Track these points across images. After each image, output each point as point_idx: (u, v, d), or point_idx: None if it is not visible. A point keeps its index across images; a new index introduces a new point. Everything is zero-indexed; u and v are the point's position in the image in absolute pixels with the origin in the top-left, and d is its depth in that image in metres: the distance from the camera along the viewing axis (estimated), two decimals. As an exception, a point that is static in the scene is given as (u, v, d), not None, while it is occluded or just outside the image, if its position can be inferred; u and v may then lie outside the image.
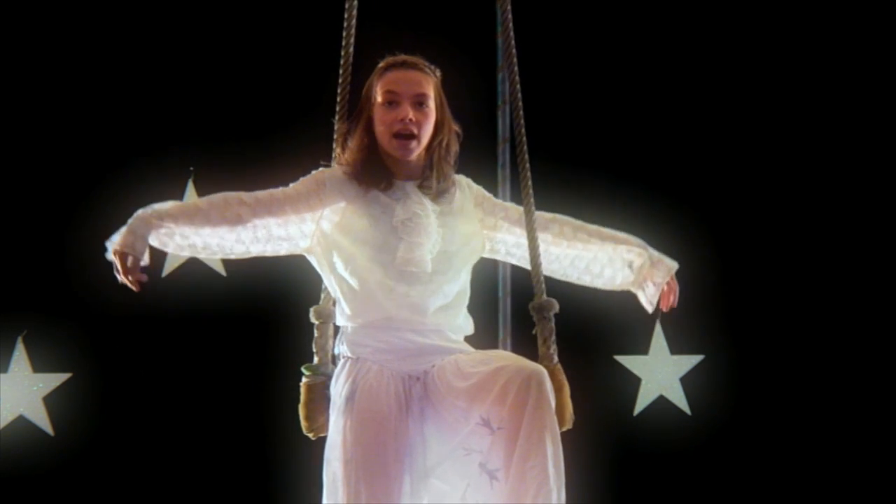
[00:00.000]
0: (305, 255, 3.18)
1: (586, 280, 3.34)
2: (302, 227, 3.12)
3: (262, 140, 5.26)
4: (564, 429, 3.00)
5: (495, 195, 3.36)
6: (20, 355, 5.11)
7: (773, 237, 5.39)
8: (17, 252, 5.19)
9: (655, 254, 3.31)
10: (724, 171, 5.40)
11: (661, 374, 5.32)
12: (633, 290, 3.36)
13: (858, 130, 5.40)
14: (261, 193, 3.10)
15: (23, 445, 5.08)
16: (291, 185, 3.14)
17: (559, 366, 3.13)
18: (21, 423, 5.10)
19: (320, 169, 3.17)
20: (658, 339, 5.32)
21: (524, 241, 3.23)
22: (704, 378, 5.31)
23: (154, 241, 3.07)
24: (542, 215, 3.26)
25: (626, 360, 5.32)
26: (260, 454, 5.16)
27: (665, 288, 3.30)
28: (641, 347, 5.34)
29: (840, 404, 5.31)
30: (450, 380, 2.97)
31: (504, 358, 3.03)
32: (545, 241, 3.25)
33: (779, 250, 5.38)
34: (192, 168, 5.24)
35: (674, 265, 3.31)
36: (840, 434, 5.29)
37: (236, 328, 5.24)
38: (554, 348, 3.17)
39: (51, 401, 5.12)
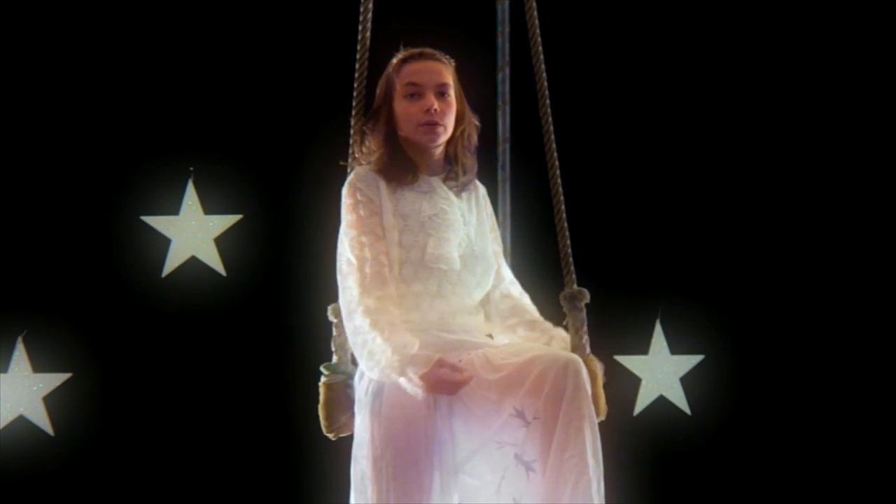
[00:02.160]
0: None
1: None
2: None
3: (263, 140, 5.26)
4: (599, 420, 2.97)
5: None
6: (20, 355, 5.10)
7: (774, 237, 5.38)
8: (17, 252, 5.18)
9: None
10: (724, 171, 5.40)
11: (661, 374, 5.32)
12: None
13: (857, 131, 5.39)
14: (375, 266, 2.95)
15: (23, 445, 5.08)
16: (353, 230, 3.01)
17: (593, 356, 3.11)
18: (21, 423, 5.09)
19: (349, 184, 3.06)
20: (658, 339, 5.32)
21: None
22: (704, 378, 5.30)
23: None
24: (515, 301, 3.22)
25: (626, 360, 5.32)
26: (259, 454, 5.16)
27: None
28: (641, 347, 5.33)
29: (840, 404, 5.30)
30: (480, 373, 2.90)
31: (536, 348, 2.99)
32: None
33: (779, 250, 5.38)
34: (192, 168, 5.25)
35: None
36: (840, 434, 5.29)
37: (236, 328, 5.23)
38: (586, 338, 3.14)
39: (51, 401, 5.11)
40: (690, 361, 5.33)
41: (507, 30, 3.63)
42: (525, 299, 3.26)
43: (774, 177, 5.39)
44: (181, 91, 5.24)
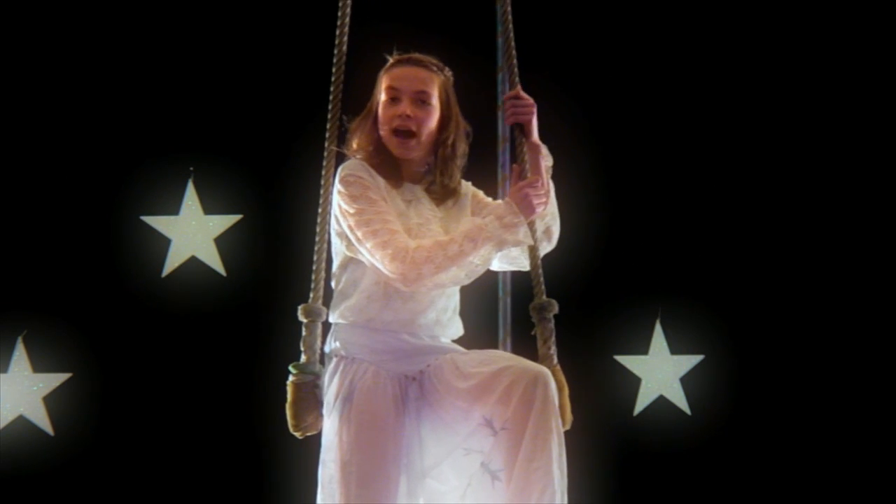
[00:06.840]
0: (346, 251, 3.09)
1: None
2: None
3: (263, 140, 5.27)
4: (564, 430, 2.99)
5: (495, 195, 3.35)
6: (20, 355, 5.11)
7: (773, 237, 5.38)
8: (17, 252, 5.19)
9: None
10: (724, 172, 5.40)
11: (661, 374, 5.32)
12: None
13: (857, 131, 5.40)
14: (397, 229, 2.99)
15: (23, 445, 5.08)
16: (362, 202, 3.01)
17: (559, 367, 3.12)
18: (21, 423, 5.10)
19: (344, 176, 3.05)
20: (658, 339, 5.32)
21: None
22: (704, 378, 5.31)
23: None
24: None
25: (626, 360, 5.32)
26: (260, 453, 5.16)
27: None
28: (641, 347, 5.34)
29: (840, 404, 5.30)
30: (449, 380, 2.95)
31: (506, 359, 3.01)
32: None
33: (778, 250, 5.38)
34: (192, 168, 5.25)
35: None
36: (840, 434, 5.29)
37: (236, 328, 5.23)
38: (554, 349, 3.15)
39: (51, 401, 5.12)
40: (690, 361, 5.33)
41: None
42: None
43: (774, 177, 5.39)
44: (181, 91, 5.25)
